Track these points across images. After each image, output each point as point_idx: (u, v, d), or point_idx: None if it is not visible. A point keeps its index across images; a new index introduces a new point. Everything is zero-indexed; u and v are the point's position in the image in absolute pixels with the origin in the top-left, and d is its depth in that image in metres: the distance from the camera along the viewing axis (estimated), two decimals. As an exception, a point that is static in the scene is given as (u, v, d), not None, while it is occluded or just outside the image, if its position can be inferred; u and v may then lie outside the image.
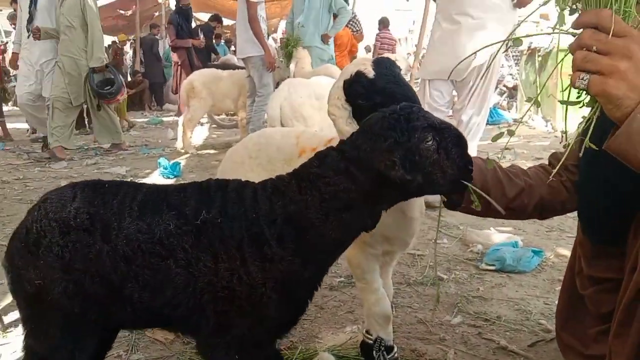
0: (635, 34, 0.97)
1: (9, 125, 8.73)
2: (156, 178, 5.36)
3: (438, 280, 1.65)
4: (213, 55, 11.32)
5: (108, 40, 13.90)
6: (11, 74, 10.69)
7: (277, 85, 6.59)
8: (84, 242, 1.23)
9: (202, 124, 9.00)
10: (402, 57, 6.47)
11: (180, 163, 5.70)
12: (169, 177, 5.32)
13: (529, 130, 8.30)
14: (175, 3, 10.96)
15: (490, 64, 3.84)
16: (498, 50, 1.25)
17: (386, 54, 2.67)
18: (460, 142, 1.22)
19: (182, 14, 10.06)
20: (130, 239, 1.23)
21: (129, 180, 1.74)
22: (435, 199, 3.53)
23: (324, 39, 6.70)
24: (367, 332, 1.92)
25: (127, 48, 16.79)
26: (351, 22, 9.23)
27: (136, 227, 1.24)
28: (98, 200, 1.27)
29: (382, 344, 1.87)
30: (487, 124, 5.03)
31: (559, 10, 1.06)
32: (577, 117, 1.15)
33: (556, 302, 1.90)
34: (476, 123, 4.61)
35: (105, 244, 1.23)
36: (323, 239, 1.25)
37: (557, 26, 1.06)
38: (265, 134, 2.20)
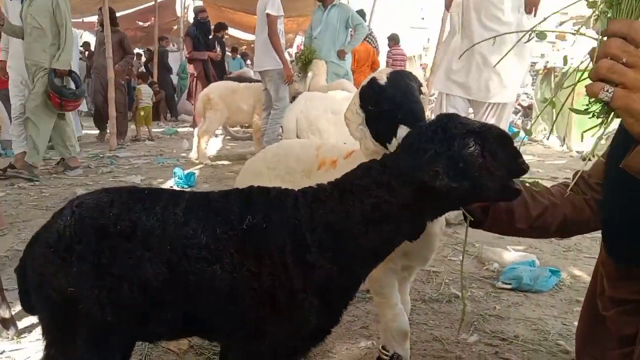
0: None
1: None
2: (171, 187, 5.37)
3: (465, 301, 1.63)
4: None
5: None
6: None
7: (292, 99, 6.63)
8: (124, 248, 1.22)
9: (216, 136, 9.05)
10: (418, 73, 6.47)
11: (194, 173, 5.73)
12: (183, 187, 5.34)
13: (544, 149, 8.25)
14: (193, 16, 11.09)
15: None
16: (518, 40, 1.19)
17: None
18: (504, 141, 1.20)
19: (200, 27, 10.18)
20: (176, 245, 1.23)
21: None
22: (451, 215, 3.50)
23: (340, 54, 6.74)
24: (383, 347, 1.90)
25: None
26: (368, 38, 9.28)
27: (182, 232, 1.24)
28: (139, 206, 1.27)
29: (398, 360, 1.85)
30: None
31: (592, 10, 1.01)
32: (593, 138, 1.11)
33: (574, 322, 1.87)
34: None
35: (147, 250, 1.22)
36: (362, 249, 1.25)
37: (583, 27, 1.03)
38: (284, 145, 2.20)
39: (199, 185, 5.51)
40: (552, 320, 2.48)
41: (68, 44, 5.79)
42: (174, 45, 16.20)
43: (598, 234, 1.56)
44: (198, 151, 6.92)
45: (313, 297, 1.24)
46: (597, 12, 1.01)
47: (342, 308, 1.35)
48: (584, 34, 1.05)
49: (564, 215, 1.55)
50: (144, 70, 13.18)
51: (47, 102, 5.67)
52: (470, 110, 4.51)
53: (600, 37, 0.99)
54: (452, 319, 2.47)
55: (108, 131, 8.36)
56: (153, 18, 14.58)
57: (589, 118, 1.05)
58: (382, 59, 15.04)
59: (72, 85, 5.88)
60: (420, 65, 16.91)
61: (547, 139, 8.62)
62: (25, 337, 2.23)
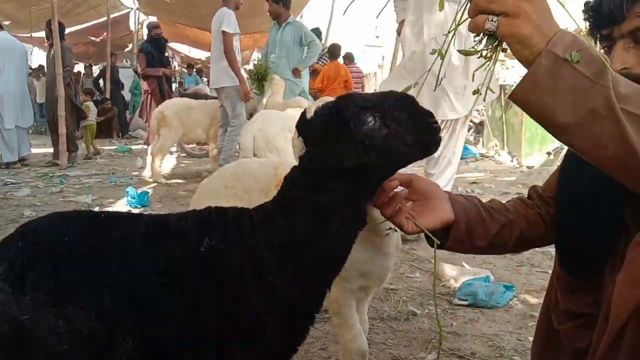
0: None
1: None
2: (123, 207, 5.23)
3: (440, 337, 1.62)
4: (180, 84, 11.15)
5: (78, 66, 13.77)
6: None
7: (249, 116, 6.60)
8: (81, 275, 1.17)
9: (171, 153, 8.90)
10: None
11: (148, 192, 5.59)
12: (136, 207, 5.20)
13: (495, 165, 8.47)
14: (147, 32, 10.92)
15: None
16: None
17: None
18: (404, 104, 1.19)
19: (154, 42, 10.03)
20: (135, 272, 1.19)
21: (95, 209, 1.68)
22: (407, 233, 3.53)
23: (295, 72, 6.76)
24: (342, 369, 1.88)
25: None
26: (322, 57, 9.36)
27: (141, 258, 1.20)
28: (96, 232, 1.23)
29: (357, 381, 1.83)
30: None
31: None
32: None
33: (529, 337, 1.89)
34: (446, 158, 4.68)
35: (105, 278, 1.17)
36: (320, 257, 1.23)
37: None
38: (242, 164, 2.18)
39: (153, 205, 5.38)
40: (508, 335, 2.51)
41: None
42: (127, 62, 15.94)
43: (550, 249, 1.59)
44: (152, 169, 6.76)
45: (276, 317, 1.22)
46: None
47: (308, 324, 1.32)
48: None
49: (520, 231, 1.58)
50: (89, 87, 12.88)
51: None
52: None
53: None
54: (410, 337, 2.48)
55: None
56: (105, 33, 14.34)
57: (477, 58, 1.08)
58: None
59: None
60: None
61: (499, 155, 8.87)
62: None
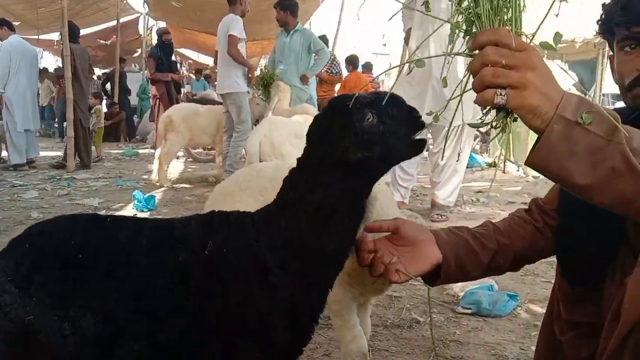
0: (531, 47, 1.00)
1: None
2: (129, 211, 5.27)
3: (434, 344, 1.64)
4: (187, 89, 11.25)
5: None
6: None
7: (256, 122, 6.63)
8: (88, 278, 1.19)
9: (178, 158, 8.94)
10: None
11: (155, 196, 5.62)
12: (142, 211, 5.23)
13: (501, 174, 8.46)
14: (157, 37, 11.01)
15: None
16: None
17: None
18: (395, 101, 1.23)
19: (163, 48, 10.11)
20: (140, 275, 1.20)
21: (102, 212, 1.71)
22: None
23: (303, 79, 6.78)
24: (344, 373, 1.89)
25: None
26: (330, 64, 9.40)
27: (146, 261, 1.22)
28: (102, 235, 1.24)
29: (359, 386, 1.84)
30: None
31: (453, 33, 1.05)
32: (502, 145, 1.14)
33: (532, 347, 1.90)
34: (451, 166, 4.69)
35: (111, 280, 1.19)
36: (323, 255, 1.25)
37: (450, 48, 1.06)
38: (256, 167, 2.21)
39: (159, 209, 5.41)
40: (511, 345, 2.51)
41: None
42: (135, 66, 16.04)
43: (554, 259, 1.60)
44: (159, 174, 6.80)
45: (281, 318, 1.23)
46: (461, 32, 1.04)
47: (312, 324, 1.33)
48: (458, 53, 1.07)
49: (514, 253, 1.60)
50: (97, 91, 12.97)
51: None
52: (429, 135, 4.61)
53: (472, 52, 1.02)
54: (413, 344, 2.48)
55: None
56: (115, 36, 14.44)
57: (490, 129, 1.08)
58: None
59: None
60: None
61: (504, 164, 8.85)
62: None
